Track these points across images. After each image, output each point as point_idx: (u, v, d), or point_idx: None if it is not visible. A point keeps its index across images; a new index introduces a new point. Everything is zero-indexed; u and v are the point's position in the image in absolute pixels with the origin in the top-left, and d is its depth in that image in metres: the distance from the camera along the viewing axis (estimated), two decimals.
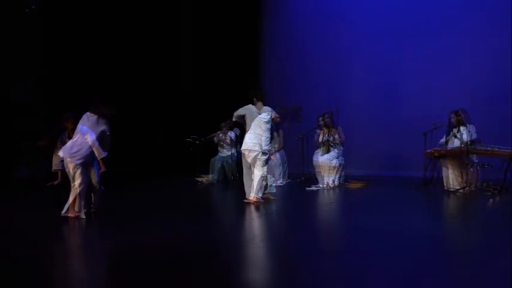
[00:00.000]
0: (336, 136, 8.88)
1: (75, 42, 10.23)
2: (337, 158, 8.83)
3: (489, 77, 9.75)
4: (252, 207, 6.37)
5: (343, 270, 3.60)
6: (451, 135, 8.10)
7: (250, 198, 6.61)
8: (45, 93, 10.01)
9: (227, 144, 9.79)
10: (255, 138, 6.62)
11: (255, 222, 5.77)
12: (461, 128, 7.90)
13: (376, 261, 3.78)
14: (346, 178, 9.18)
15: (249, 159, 6.64)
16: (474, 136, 7.87)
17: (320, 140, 8.86)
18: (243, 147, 6.69)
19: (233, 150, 9.81)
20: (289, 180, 9.49)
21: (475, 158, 7.96)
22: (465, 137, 7.82)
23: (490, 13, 9.85)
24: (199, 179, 9.50)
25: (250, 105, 6.76)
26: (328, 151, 8.81)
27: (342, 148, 8.95)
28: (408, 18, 10.75)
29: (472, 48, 9.99)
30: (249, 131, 6.68)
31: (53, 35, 9.99)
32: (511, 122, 9.16)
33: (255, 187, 6.58)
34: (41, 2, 9.81)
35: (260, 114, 6.71)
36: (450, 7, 10.34)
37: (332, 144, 8.86)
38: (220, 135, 9.77)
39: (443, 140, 8.33)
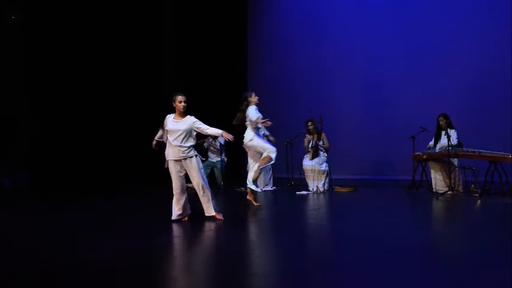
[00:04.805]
0: (325, 141, 8.99)
1: (59, 53, 10.18)
2: (326, 162, 8.94)
3: (479, 81, 9.84)
4: (247, 212, 6.40)
5: (334, 277, 3.61)
6: (441, 137, 8.22)
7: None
8: (30, 104, 9.95)
9: (217, 149, 9.77)
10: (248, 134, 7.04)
11: (249, 228, 5.77)
12: (450, 131, 8.01)
13: (368, 265, 3.80)
14: (333, 183, 9.23)
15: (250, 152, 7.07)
16: (455, 142, 8.00)
17: (310, 145, 8.91)
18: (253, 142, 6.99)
19: (223, 156, 9.81)
20: (274, 187, 9.48)
21: (456, 161, 8.09)
22: (454, 138, 7.95)
23: (488, 15, 9.88)
24: (189, 185, 9.42)
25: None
26: (317, 155, 8.88)
27: (326, 155, 9.02)
28: (396, 22, 10.80)
29: (460, 52, 10.07)
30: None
31: (36, 46, 9.93)
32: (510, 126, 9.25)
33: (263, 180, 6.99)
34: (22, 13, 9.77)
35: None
36: (440, 9, 10.37)
37: (321, 149, 8.95)
38: (211, 140, 9.75)
39: (431, 143, 8.44)
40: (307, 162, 8.96)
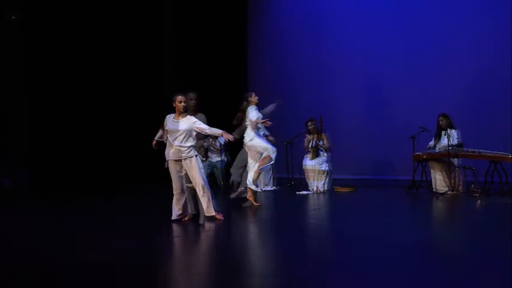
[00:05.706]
0: (325, 141, 8.99)
1: (59, 53, 10.17)
2: (326, 162, 8.94)
3: (479, 81, 9.81)
4: (247, 212, 6.40)
5: (334, 277, 3.61)
6: (441, 137, 8.22)
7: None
8: (30, 104, 9.94)
9: (217, 149, 9.76)
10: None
11: (249, 228, 5.77)
12: (451, 131, 8.01)
13: (368, 265, 3.80)
14: (334, 183, 9.22)
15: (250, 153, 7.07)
16: (455, 142, 8.00)
17: (310, 145, 8.92)
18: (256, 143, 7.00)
19: (223, 156, 9.79)
20: (275, 187, 9.47)
21: (456, 161, 8.10)
22: (454, 138, 7.96)
23: (488, 15, 9.84)
24: (189, 185, 9.40)
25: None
26: (317, 155, 8.88)
27: (326, 154, 9.03)
28: (396, 22, 10.77)
29: (460, 52, 10.05)
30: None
31: (36, 46, 9.92)
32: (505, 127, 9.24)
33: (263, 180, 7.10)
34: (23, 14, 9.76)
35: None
36: (440, 9, 10.33)
37: (321, 149, 8.95)
38: (211, 140, 9.73)
39: (431, 142, 8.44)
40: (308, 162, 8.96)
